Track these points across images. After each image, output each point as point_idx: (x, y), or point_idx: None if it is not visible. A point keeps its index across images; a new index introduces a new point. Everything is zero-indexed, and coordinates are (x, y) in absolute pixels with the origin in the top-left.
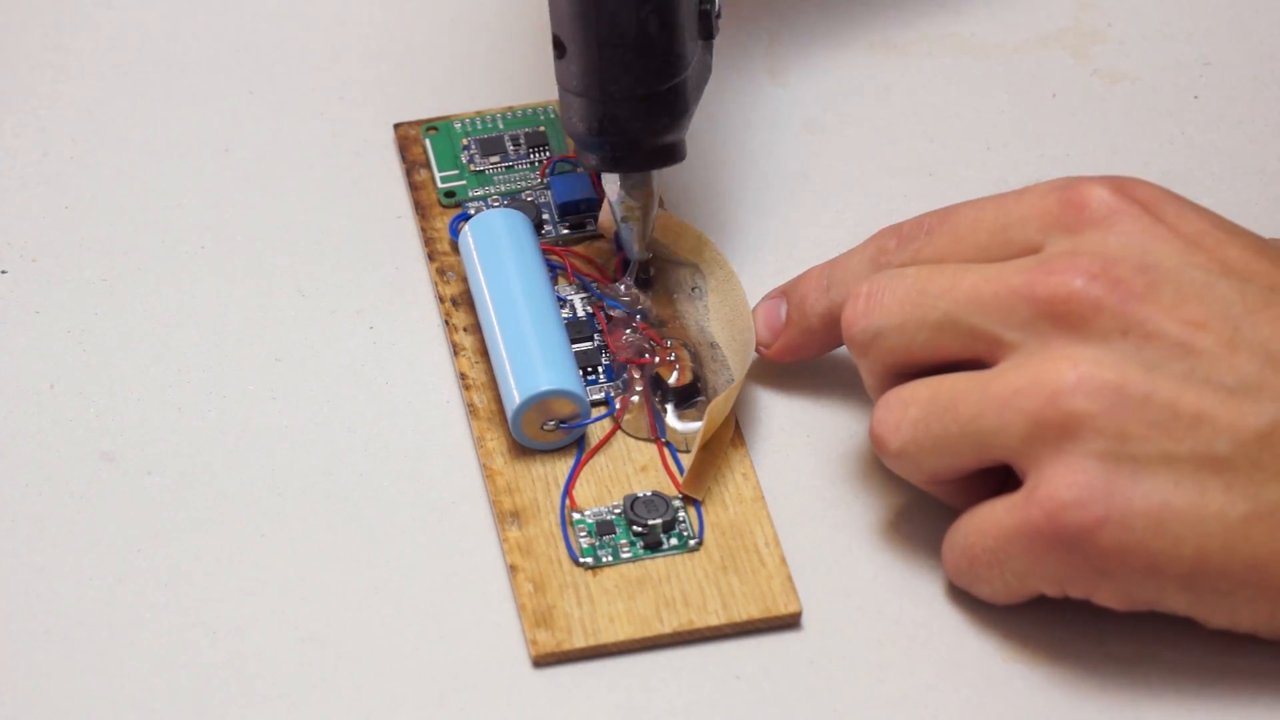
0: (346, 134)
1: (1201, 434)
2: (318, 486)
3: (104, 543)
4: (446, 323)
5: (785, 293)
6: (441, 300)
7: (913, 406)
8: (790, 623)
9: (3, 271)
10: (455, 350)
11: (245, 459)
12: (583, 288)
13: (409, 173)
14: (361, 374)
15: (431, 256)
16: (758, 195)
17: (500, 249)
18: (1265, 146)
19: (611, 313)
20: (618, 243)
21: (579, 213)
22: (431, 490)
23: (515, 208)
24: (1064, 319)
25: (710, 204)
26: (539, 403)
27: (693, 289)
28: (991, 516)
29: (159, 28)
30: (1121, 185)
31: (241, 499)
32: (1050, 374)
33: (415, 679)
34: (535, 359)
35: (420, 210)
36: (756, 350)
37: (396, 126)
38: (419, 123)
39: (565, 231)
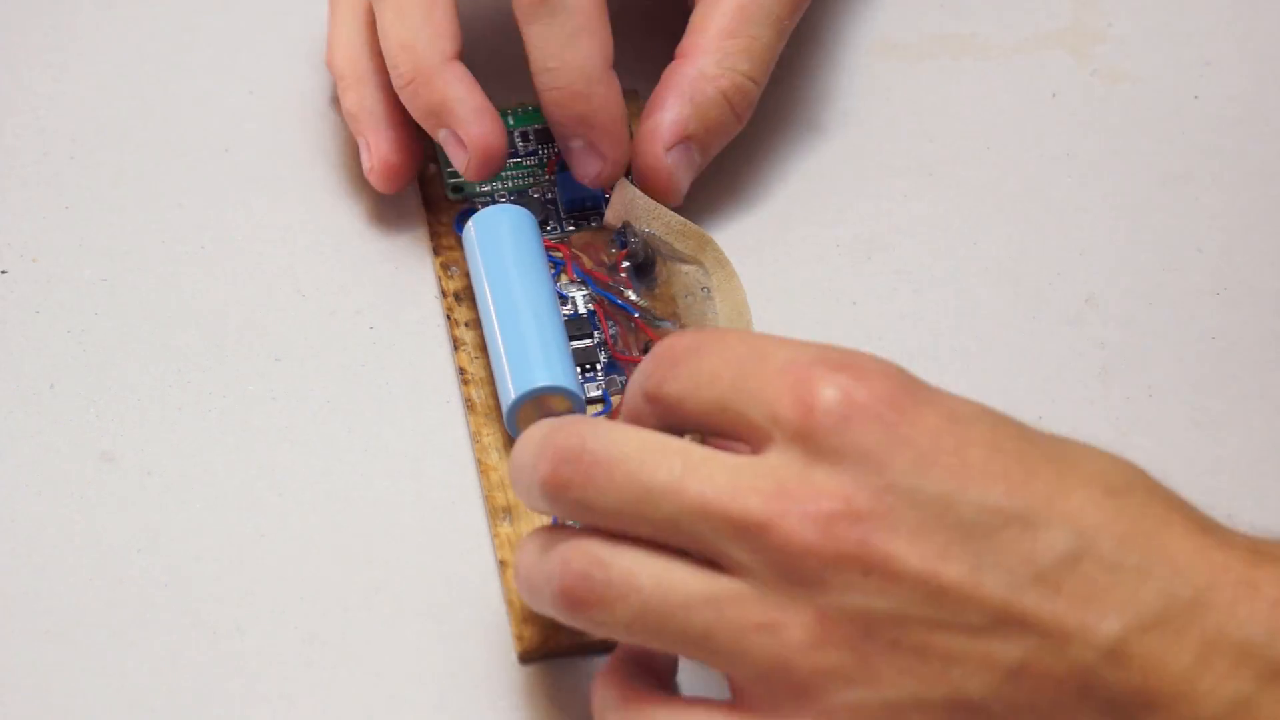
0: (348, 132)
1: (950, 679)
2: (318, 486)
3: (104, 543)
4: (448, 317)
5: None
6: (445, 295)
7: (634, 595)
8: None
9: (3, 271)
10: (456, 345)
11: (245, 459)
12: (584, 283)
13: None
14: (361, 374)
15: (436, 251)
16: (758, 195)
17: (503, 245)
18: (1265, 146)
19: (612, 312)
20: (621, 239)
21: (584, 210)
22: (430, 487)
23: (522, 204)
24: (798, 570)
25: (710, 204)
26: (534, 399)
27: (702, 289)
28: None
29: (159, 28)
30: (852, 384)
31: (241, 499)
32: (791, 622)
33: (415, 679)
34: (532, 354)
35: (428, 205)
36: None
37: None
38: None
39: (571, 229)
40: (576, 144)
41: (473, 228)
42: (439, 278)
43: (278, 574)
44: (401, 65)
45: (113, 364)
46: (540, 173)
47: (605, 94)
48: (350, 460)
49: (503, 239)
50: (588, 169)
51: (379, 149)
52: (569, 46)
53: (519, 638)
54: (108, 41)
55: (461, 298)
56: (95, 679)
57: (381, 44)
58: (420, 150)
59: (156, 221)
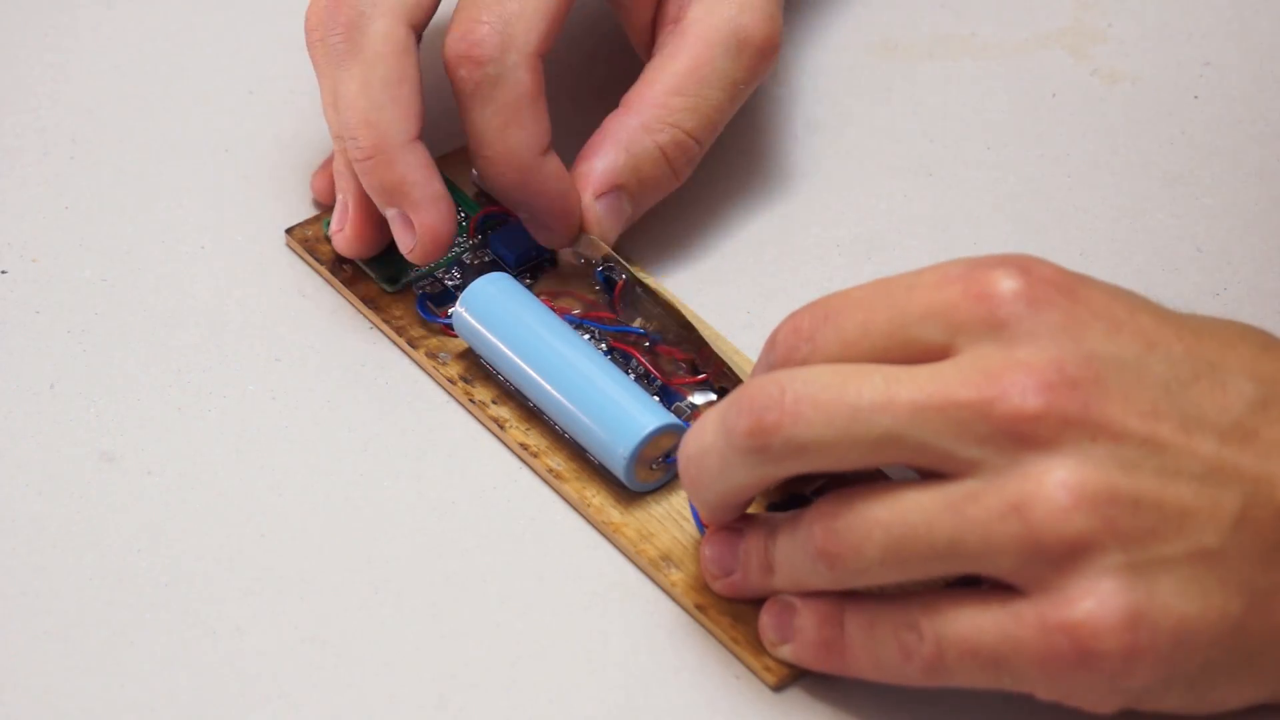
0: None
1: (1189, 531)
2: (317, 486)
3: (104, 543)
4: (472, 401)
5: None
6: (452, 382)
7: (876, 530)
8: None
9: (3, 271)
10: (500, 425)
11: (245, 459)
12: (581, 326)
13: (334, 271)
14: (362, 374)
15: (413, 344)
16: (758, 195)
17: (511, 313)
18: (1265, 146)
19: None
20: (603, 275)
21: (533, 259)
22: (431, 486)
23: (464, 274)
24: (1029, 437)
25: (710, 204)
26: (648, 444)
27: (637, 289)
28: (986, 626)
29: (159, 28)
30: (1025, 269)
31: (241, 499)
32: (1036, 495)
33: (415, 679)
34: (624, 404)
35: (369, 303)
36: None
37: (289, 230)
38: (314, 220)
39: (528, 282)
40: (523, 215)
41: (465, 309)
42: (431, 371)
43: (278, 574)
44: (362, 140)
45: (113, 364)
46: (462, 239)
47: (540, 178)
48: (350, 460)
49: (507, 307)
50: (539, 237)
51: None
52: (501, 136)
53: (767, 669)
54: (108, 41)
55: (470, 379)
56: (95, 679)
57: (340, 113)
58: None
59: (156, 221)
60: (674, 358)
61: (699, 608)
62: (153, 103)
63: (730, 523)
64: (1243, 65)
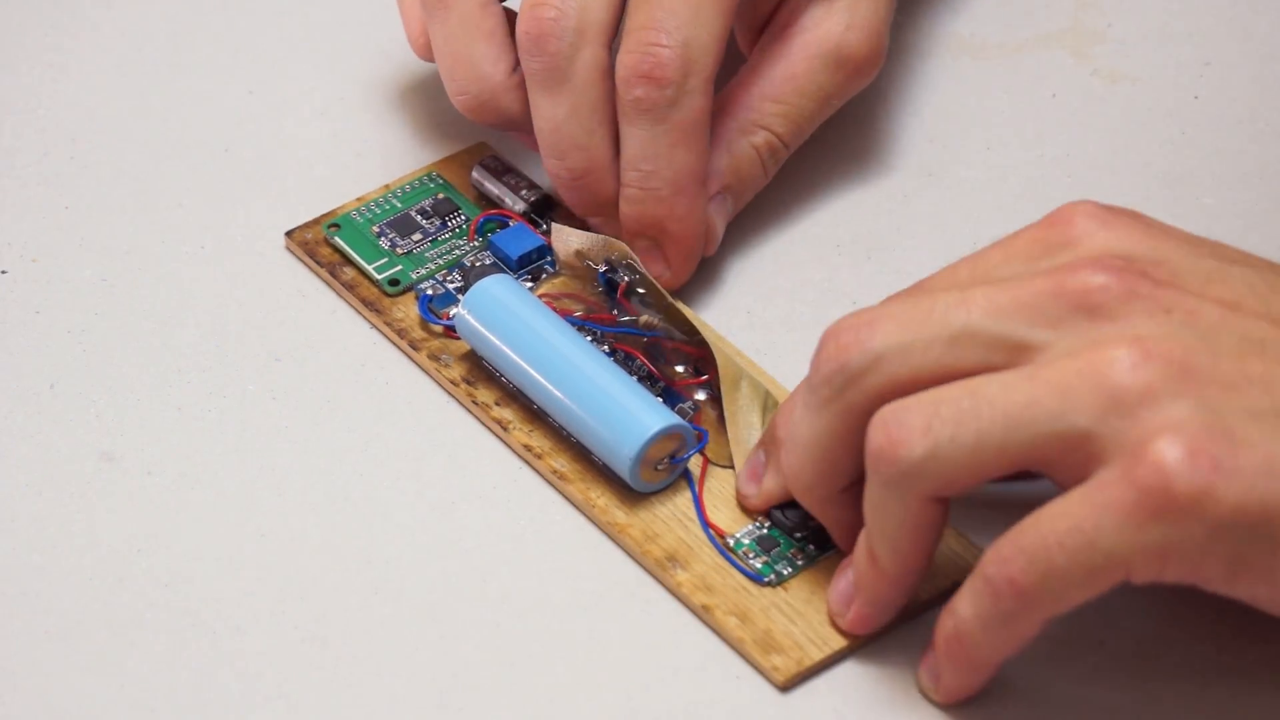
0: (348, 133)
1: (1272, 391)
2: (317, 486)
3: (104, 543)
4: (475, 403)
5: (761, 443)
6: (455, 385)
7: (943, 405)
8: None
9: (3, 271)
10: (504, 426)
11: (245, 459)
12: (583, 328)
13: (334, 274)
14: (362, 374)
15: (415, 346)
16: (758, 195)
17: (514, 314)
18: (1265, 146)
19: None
20: (605, 277)
21: (534, 261)
22: (431, 486)
23: (466, 275)
24: (1100, 309)
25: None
26: (652, 445)
27: (638, 288)
28: (1074, 510)
29: (159, 28)
30: (1101, 204)
31: (241, 499)
32: (1112, 351)
33: (415, 679)
34: (628, 405)
35: (370, 306)
36: (743, 505)
37: (289, 233)
38: (314, 223)
39: (529, 284)
40: (642, 243)
41: (467, 310)
42: (433, 373)
43: (278, 574)
44: (571, 160)
45: (113, 364)
46: (463, 241)
47: (687, 208)
48: (350, 460)
49: (509, 308)
50: (651, 269)
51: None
52: (666, 156)
53: (774, 669)
54: (108, 41)
55: (473, 381)
56: (95, 679)
57: (540, 126)
58: None
59: (156, 221)
60: (676, 358)
61: (705, 608)
62: (153, 103)
63: (846, 561)
64: (1243, 65)
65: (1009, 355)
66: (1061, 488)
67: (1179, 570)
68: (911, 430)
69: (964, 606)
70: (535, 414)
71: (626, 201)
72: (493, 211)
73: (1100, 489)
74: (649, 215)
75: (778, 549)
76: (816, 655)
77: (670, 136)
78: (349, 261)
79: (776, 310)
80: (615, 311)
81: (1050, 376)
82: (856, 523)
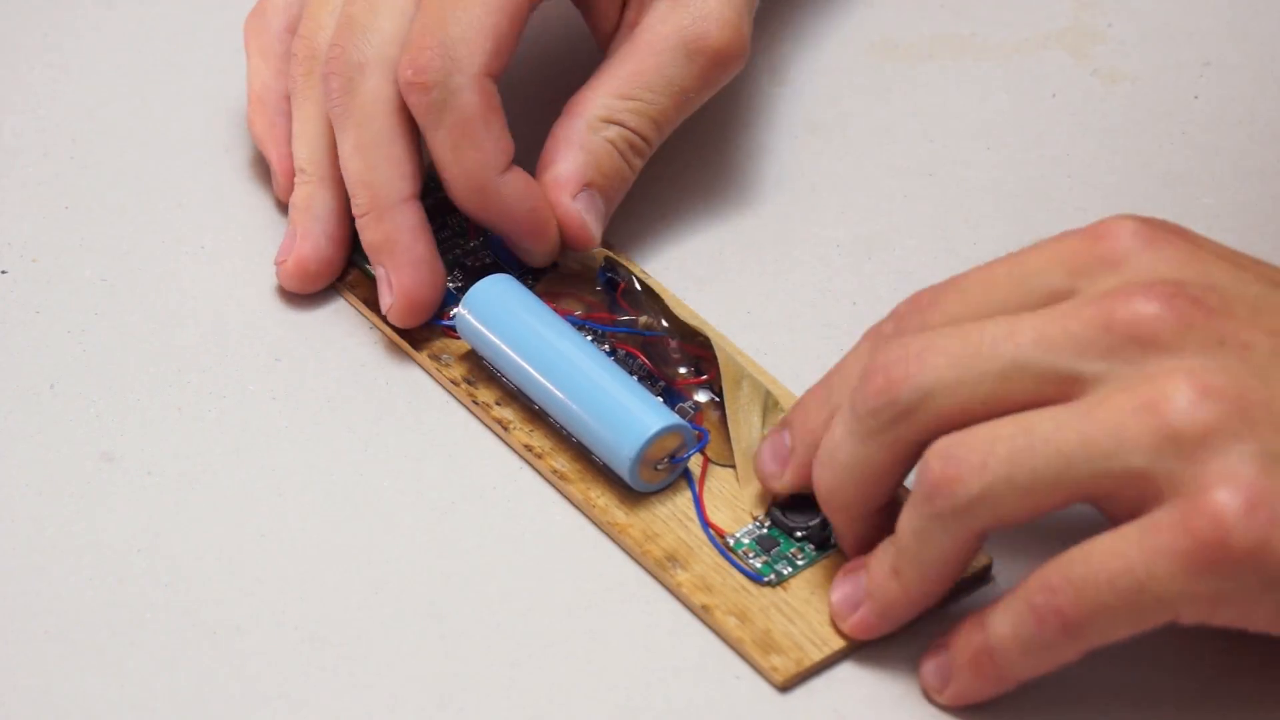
0: None
1: None
2: (317, 486)
3: (104, 543)
4: (475, 403)
5: (787, 422)
6: (455, 384)
7: (999, 444)
8: (981, 576)
9: (3, 271)
10: (504, 426)
11: (245, 459)
12: (584, 327)
13: (340, 277)
14: (362, 374)
15: (415, 346)
16: (758, 195)
17: (514, 314)
18: (1265, 146)
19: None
20: (605, 275)
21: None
22: (431, 485)
23: (465, 276)
24: (1153, 340)
25: (710, 204)
26: (652, 445)
27: (638, 290)
28: (1128, 550)
29: (159, 28)
30: (1144, 219)
31: (241, 499)
32: (1167, 388)
33: (415, 679)
34: (629, 404)
35: (371, 306)
36: (766, 485)
37: None
38: None
39: (530, 283)
40: (497, 235)
41: (467, 311)
42: (433, 372)
43: (278, 574)
44: (359, 197)
45: (113, 364)
46: (463, 240)
47: (501, 198)
48: (350, 460)
49: (509, 308)
50: (521, 257)
51: (304, 248)
52: (456, 158)
53: (774, 669)
54: (108, 41)
55: (474, 380)
56: (95, 679)
57: (342, 170)
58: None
59: (156, 221)
60: (676, 358)
61: (704, 608)
62: (153, 103)
63: (852, 564)
64: (1243, 65)
65: (1061, 388)
66: (1112, 520)
67: (1228, 616)
68: (968, 467)
69: (1001, 625)
70: (535, 414)
71: (454, 203)
72: None
73: (1156, 532)
74: (474, 213)
75: (778, 549)
76: (816, 655)
77: (451, 137)
78: (349, 261)
79: (777, 310)
80: (615, 311)
81: (1104, 415)
82: (876, 538)
